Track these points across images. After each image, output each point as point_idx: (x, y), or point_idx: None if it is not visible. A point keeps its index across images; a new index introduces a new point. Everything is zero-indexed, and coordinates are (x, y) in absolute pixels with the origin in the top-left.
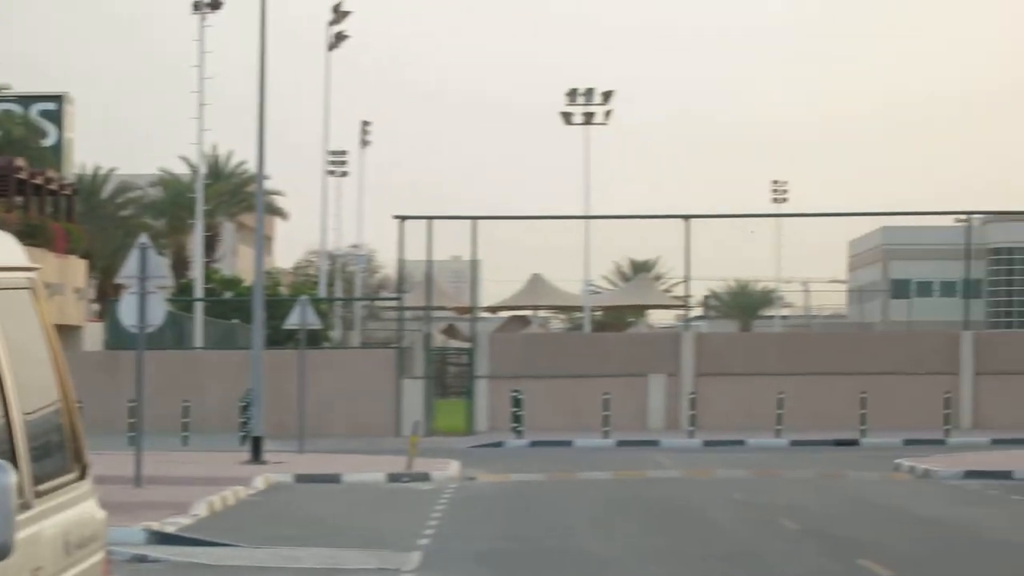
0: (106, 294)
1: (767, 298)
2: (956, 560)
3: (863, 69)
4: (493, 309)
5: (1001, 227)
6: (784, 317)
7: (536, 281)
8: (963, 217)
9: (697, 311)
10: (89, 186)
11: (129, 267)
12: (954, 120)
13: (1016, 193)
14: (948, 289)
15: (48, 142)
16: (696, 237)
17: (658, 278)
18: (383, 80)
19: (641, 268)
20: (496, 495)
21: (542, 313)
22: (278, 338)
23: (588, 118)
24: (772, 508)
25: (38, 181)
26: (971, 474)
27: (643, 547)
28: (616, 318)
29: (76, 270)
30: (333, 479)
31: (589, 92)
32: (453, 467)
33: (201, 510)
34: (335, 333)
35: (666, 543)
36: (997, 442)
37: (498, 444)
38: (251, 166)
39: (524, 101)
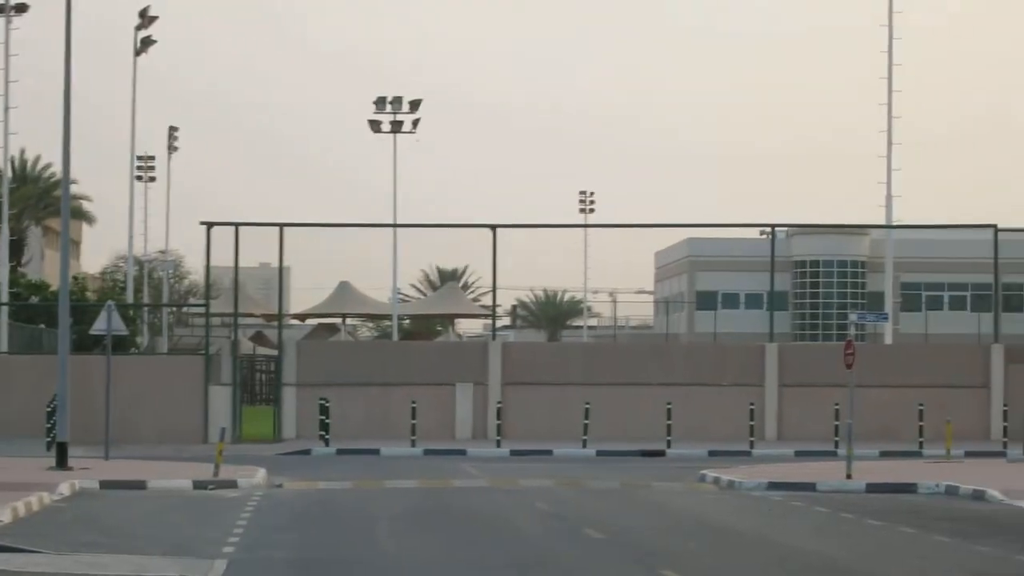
0: None
1: (574, 308)
2: (758, 571)
3: (659, 80)
4: (301, 317)
5: (805, 240)
6: (591, 327)
7: (344, 289)
8: (768, 230)
9: (504, 320)
10: None
11: None
12: (759, 132)
13: (820, 206)
14: (753, 301)
15: None
16: (504, 246)
17: (466, 287)
18: (191, 86)
19: (449, 277)
20: (302, 503)
21: (350, 321)
22: (85, 343)
23: (396, 127)
24: (577, 518)
25: None
26: (775, 485)
27: (446, 556)
28: (424, 327)
29: None
30: (139, 485)
31: (397, 100)
32: (260, 474)
33: (5, 516)
34: (142, 339)
35: (470, 553)
36: (800, 453)
37: (305, 452)
38: (58, 169)
39: (337, 107)
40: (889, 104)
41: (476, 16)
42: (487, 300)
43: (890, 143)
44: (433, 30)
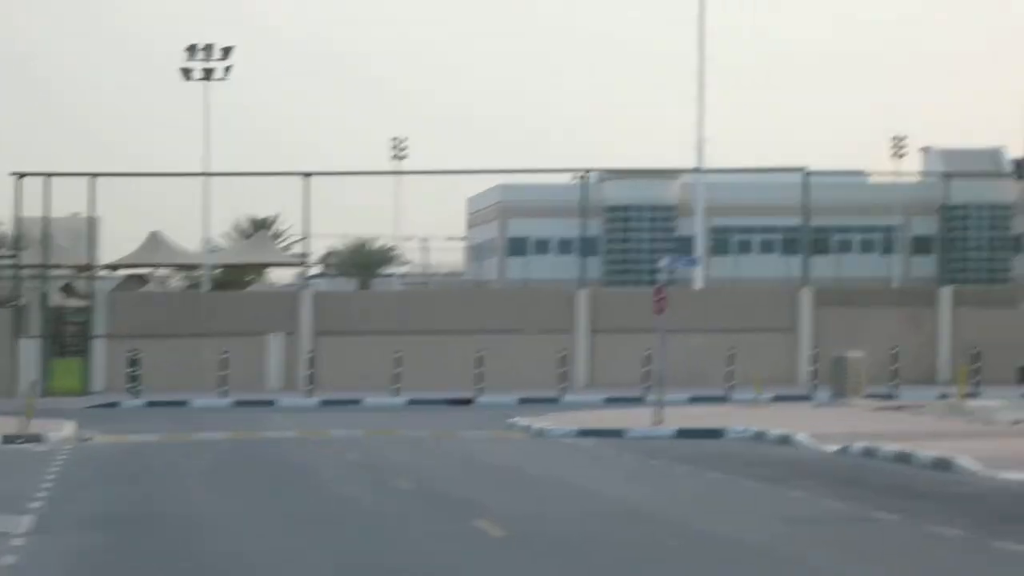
0: None
1: (386, 256)
2: (567, 519)
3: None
4: (112, 267)
5: (617, 185)
6: (403, 275)
7: (154, 239)
8: (580, 175)
9: (316, 269)
10: None
11: None
12: (571, 77)
13: (631, 152)
14: (565, 247)
15: None
16: (317, 195)
17: (277, 236)
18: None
19: (261, 226)
20: (112, 456)
21: (161, 271)
22: None
23: (208, 74)
24: (386, 468)
25: None
26: (584, 433)
27: (253, 508)
28: (236, 277)
29: None
30: None
31: (208, 48)
32: (68, 428)
33: None
34: None
35: (277, 506)
36: (611, 400)
37: (114, 404)
38: None
39: (148, 56)
40: (701, 47)
41: None
42: (298, 249)
43: (701, 87)
44: None
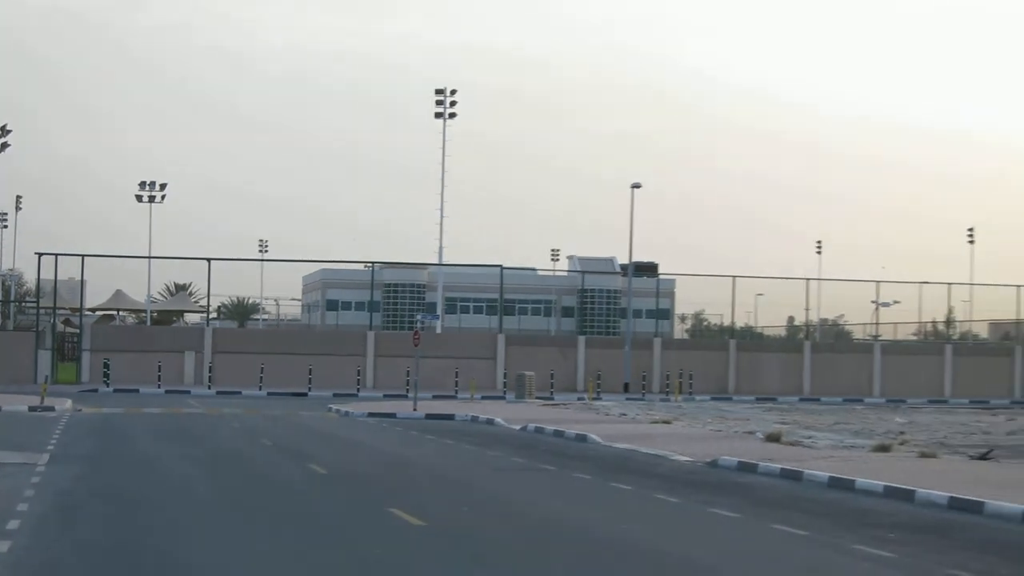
0: None
1: (254, 308)
2: (366, 464)
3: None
4: (92, 310)
5: (391, 271)
6: (264, 319)
7: (119, 293)
8: (369, 264)
9: (213, 314)
10: None
11: None
12: (363, 195)
13: (405, 248)
14: (360, 307)
15: None
16: (215, 271)
17: (191, 294)
18: None
19: (182, 288)
20: (93, 421)
21: (122, 313)
22: None
23: (151, 200)
24: (255, 431)
25: None
26: (372, 414)
27: (179, 451)
28: (166, 318)
29: None
30: None
31: (153, 183)
32: (68, 403)
33: None
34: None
35: (192, 450)
36: (387, 396)
37: (95, 390)
38: None
39: (106, 186)
40: (443, 178)
41: None
42: (204, 303)
43: (442, 203)
44: None
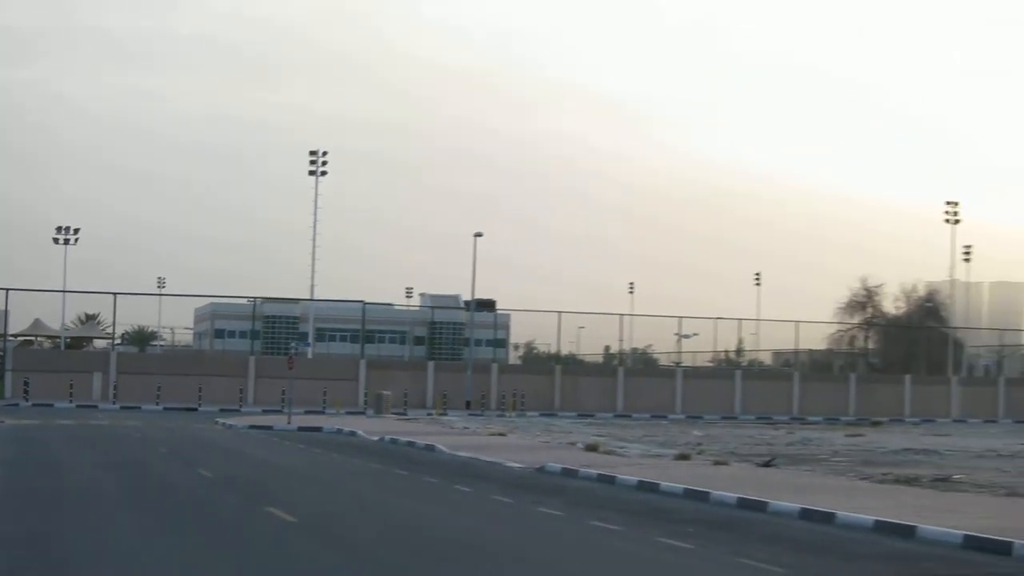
0: None
1: (152, 335)
2: (247, 469)
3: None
4: (15, 336)
5: (271, 305)
6: (162, 345)
7: (37, 322)
8: (252, 299)
9: (118, 341)
10: None
11: None
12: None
13: (282, 285)
14: (244, 335)
15: None
16: (120, 303)
17: (99, 323)
18: None
19: (91, 317)
20: (15, 431)
21: (40, 339)
22: None
23: (66, 242)
24: (154, 441)
25: None
26: (253, 427)
27: (88, 457)
28: (77, 343)
29: None
30: None
31: (68, 228)
32: None
33: None
34: None
35: (100, 455)
36: (266, 411)
37: (16, 405)
38: None
39: (24, 227)
40: (315, 226)
41: None
42: (110, 330)
43: (314, 248)
44: None
